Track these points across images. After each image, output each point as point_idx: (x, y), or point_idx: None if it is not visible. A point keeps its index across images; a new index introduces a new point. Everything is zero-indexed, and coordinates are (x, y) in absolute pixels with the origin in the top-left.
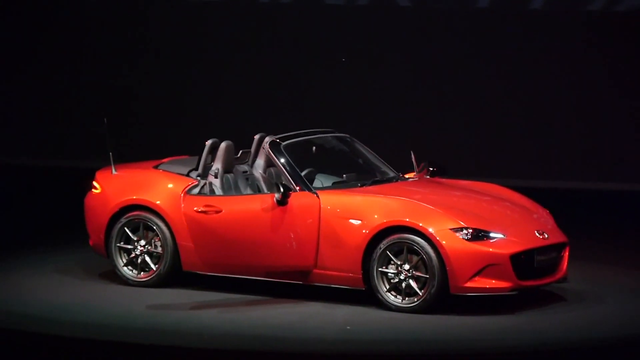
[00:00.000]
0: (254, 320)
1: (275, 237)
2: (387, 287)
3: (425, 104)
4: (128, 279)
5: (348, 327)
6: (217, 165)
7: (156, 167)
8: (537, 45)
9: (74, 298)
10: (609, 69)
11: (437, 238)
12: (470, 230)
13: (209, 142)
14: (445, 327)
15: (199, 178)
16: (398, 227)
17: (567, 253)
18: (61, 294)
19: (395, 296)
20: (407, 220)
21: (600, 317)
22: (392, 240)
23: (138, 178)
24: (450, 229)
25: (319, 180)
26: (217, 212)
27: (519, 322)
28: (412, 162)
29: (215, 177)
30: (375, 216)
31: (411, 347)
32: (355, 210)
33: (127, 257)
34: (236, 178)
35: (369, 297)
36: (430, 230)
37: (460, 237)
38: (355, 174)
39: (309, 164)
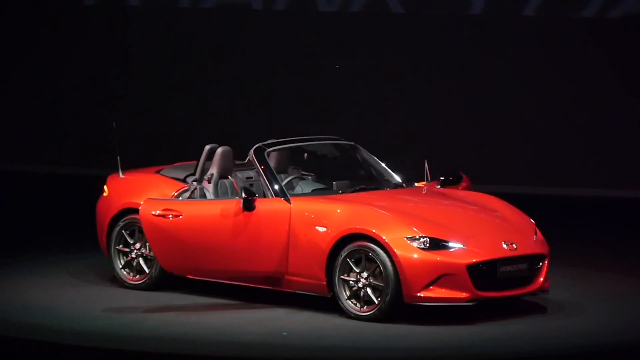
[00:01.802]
0: (202, 325)
1: (242, 243)
2: (348, 294)
3: (419, 109)
4: (124, 281)
5: (284, 333)
6: (212, 170)
7: (158, 171)
8: (531, 51)
9: (42, 300)
10: (603, 75)
11: (391, 246)
12: (427, 239)
13: (207, 147)
14: (392, 336)
15: (194, 183)
16: (357, 235)
17: (545, 265)
18: (40, 296)
19: (355, 304)
20: (364, 228)
21: (579, 326)
22: (352, 247)
23: (138, 182)
24: (406, 238)
25: (300, 187)
26: (177, 216)
27: (489, 331)
28: (425, 170)
29: (209, 182)
30: (338, 223)
31: (343, 354)
32: (322, 217)
33: (124, 260)
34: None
35: (335, 304)
36: (385, 238)
37: (416, 245)
38: (348, 181)
39: (313, 170)
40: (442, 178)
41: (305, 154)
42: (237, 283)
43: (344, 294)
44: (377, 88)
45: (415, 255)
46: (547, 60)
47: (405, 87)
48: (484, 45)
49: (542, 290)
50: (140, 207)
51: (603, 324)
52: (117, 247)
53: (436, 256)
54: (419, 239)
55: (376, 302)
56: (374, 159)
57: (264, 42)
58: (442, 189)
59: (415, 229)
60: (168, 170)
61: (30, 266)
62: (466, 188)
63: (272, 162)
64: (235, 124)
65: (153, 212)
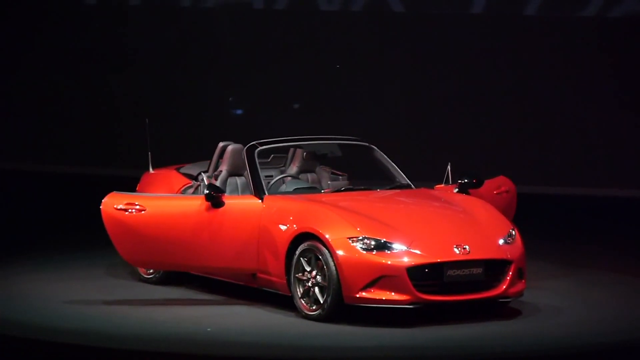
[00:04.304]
0: (145, 319)
1: (213, 239)
2: (301, 293)
3: (419, 109)
4: (140, 274)
5: (209, 329)
6: (222, 168)
7: (178, 168)
8: (531, 51)
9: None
10: (603, 75)
11: (333, 246)
12: (369, 240)
13: (220, 145)
14: (315, 335)
15: (205, 180)
16: (308, 234)
17: (510, 271)
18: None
19: (307, 303)
20: (312, 227)
21: (552, 329)
22: (305, 246)
23: (157, 178)
24: (348, 238)
25: (285, 186)
26: (140, 210)
27: (458, 334)
28: (448, 173)
29: (216, 179)
30: (295, 222)
31: (255, 351)
32: (286, 216)
33: None
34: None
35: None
36: (329, 237)
37: (357, 246)
38: (347, 181)
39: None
40: (461, 181)
41: (305, 153)
42: (215, 278)
43: (298, 292)
44: (378, 87)
45: (355, 256)
46: (548, 59)
47: (406, 86)
48: (485, 44)
49: (505, 296)
50: (102, 201)
51: (580, 325)
52: None
53: (376, 257)
54: (361, 240)
55: (322, 302)
56: (388, 160)
57: (264, 42)
58: (438, 192)
59: (358, 230)
60: (188, 167)
61: (49, 263)
62: (507, 191)
63: (298, 162)
64: (234, 123)
65: (115, 206)
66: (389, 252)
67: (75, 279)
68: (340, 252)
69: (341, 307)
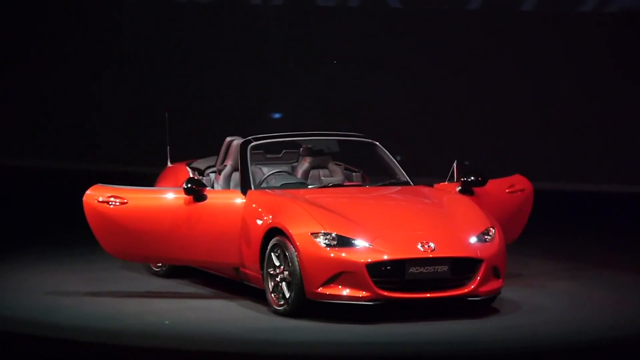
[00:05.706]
0: (119, 311)
1: (192, 232)
2: (271, 288)
3: (415, 104)
4: (152, 267)
5: (167, 322)
6: (226, 162)
7: (189, 163)
8: (528, 46)
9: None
10: (600, 70)
11: (295, 240)
12: (332, 236)
13: (227, 139)
14: (270, 330)
15: (211, 174)
16: (277, 229)
17: (481, 270)
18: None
19: (276, 298)
20: (279, 222)
21: (535, 326)
22: (274, 241)
23: (169, 173)
24: (311, 233)
25: (274, 180)
26: (123, 203)
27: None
28: (453, 170)
29: (219, 173)
30: (267, 217)
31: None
32: (262, 211)
33: None
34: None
35: None
36: (292, 232)
37: (318, 241)
38: (342, 177)
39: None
40: (465, 179)
41: (301, 148)
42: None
43: (269, 287)
44: (375, 83)
45: (317, 251)
46: (545, 55)
47: (403, 82)
48: (482, 40)
49: (475, 295)
50: (85, 193)
51: (564, 323)
52: None
53: (337, 253)
54: (324, 235)
55: (287, 297)
56: (389, 157)
57: (261, 37)
58: (428, 189)
59: (321, 225)
60: (198, 162)
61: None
62: (522, 190)
63: (310, 158)
64: (228, 120)
65: (98, 199)
66: (350, 248)
67: (74, 272)
68: (301, 247)
69: (305, 303)
